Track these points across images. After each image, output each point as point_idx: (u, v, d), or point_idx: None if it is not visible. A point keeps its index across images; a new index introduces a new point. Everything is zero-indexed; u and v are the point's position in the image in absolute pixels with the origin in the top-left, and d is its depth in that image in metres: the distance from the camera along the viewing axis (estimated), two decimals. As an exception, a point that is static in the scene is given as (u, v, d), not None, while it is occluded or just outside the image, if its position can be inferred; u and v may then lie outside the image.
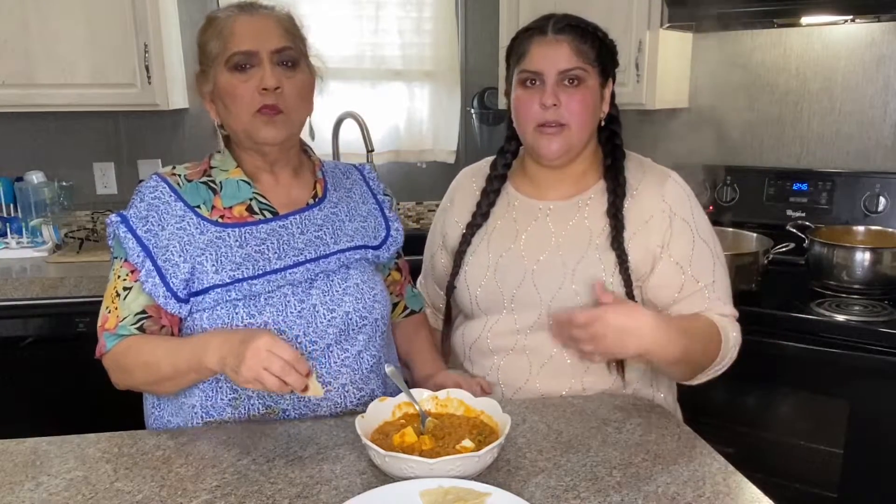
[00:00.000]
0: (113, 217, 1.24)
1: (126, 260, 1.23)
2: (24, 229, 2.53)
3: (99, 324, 1.25)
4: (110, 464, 1.10)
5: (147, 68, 2.41)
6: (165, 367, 1.18)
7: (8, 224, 2.58)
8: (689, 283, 1.33)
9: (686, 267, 1.33)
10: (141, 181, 2.60)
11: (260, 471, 1.08)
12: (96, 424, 1.27)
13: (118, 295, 1.23)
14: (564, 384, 1.36)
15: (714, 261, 1.35)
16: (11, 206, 2.58)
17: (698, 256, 1.34)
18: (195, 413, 1.25)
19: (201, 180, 1.28)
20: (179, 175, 1.28)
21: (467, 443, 1.07)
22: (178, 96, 2.59)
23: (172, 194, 1.25)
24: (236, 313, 1.21)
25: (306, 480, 1.05)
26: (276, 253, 1.25)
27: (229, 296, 1.21)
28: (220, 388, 1.24)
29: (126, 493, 1.02)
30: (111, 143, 2.78)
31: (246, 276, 1.21)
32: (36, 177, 2.58)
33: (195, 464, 1.10)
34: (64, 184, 2.68)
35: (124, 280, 1.23)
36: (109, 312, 1.23)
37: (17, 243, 2.50)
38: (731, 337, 1.31)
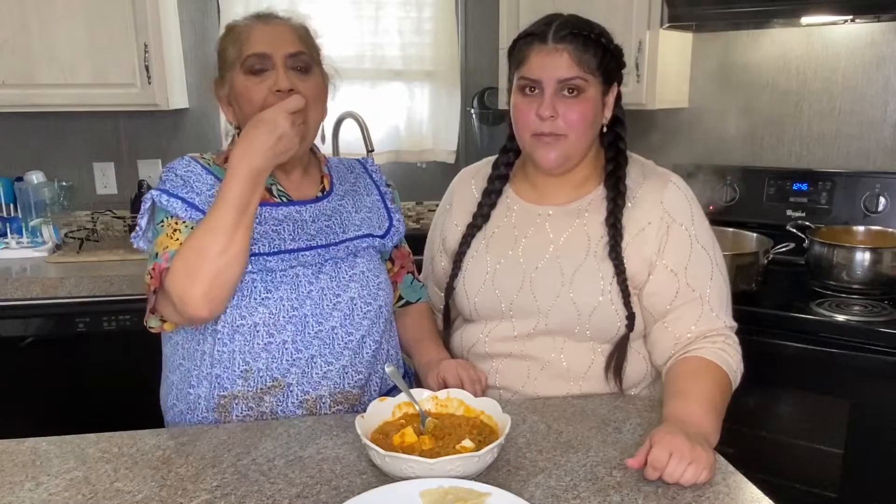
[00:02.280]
0: (152, 191, 1.27)
1: (173, 216, 1.25)
2: (24, 229, 2.53)
3: (157, 254, 1.22)
4: (110, 464, 1.10)
5: (147, 68, 2.40)
6: (226, 215, 1.16)
7: (8, 224, 2.58)
8: (684, 290, 1.30)
9: (681, 274, 1.30)
10: (141, 181, 2.60)
11: (260, 471, 1.08)
12: (96, 424, 1.27)
13: (175, 230, 1.24)
14: (562, 389, 1.35)
15: (712, 268, 1.32)
16: (11, 206, 2.58)
17: (695, 263, 1.31)
18: (210, 385, 1.29)
19: (224, 166, 1.31)
20: (207, 159, 1.35)
21: (467, 443, 1.07)
22: (178, 96, 2.59)
23: (203, 169, 1.31)
24: (254, 287, 1.27)
25: (306, 480, 1.05)
26: (290, 235, 1.31)
27: (246, 268, 1.25)
28: (234, 360, 1.28)
29: (126, 493, 1.02)
30: (111, 143, 2.77)
31: (262, 251, 1.27)
32: (36, 177, 2.58)
33: (195, 464, 1.10)
34: (64, 184, 2.68)
35: (180, 222, 1.24)
36: (168, 248, 1.21)
37: (17, 243, 2.50)
38: (733, 365, 1.26)
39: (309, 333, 1.29)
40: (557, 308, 1.32)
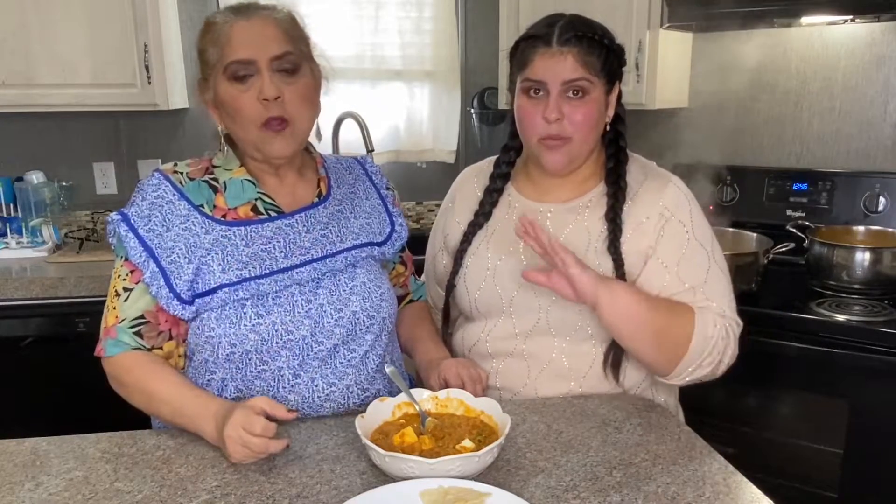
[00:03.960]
0: (113, 215, 1.23)
1: (127, 259, 1.22)
2: (24, 229, 2.53)
3: (101, 324, 1.25)
4: (110, 464, 1.10)
5: (147, 68, 2.41)
6: (167, 414, 1.19)
7: (8, 224, 2.58)
8: (673, 282, 1.30)
9: (672, 267, 1.30)
10: (140, 181, 2.59)
11: (260, 471, 1.08)
12: (96, 424, 1.27)
13: (118, 295, 1.22)
14: (563, 389, 1.35)
15: (710, 264, 1.32)
16: (11, 206, 2.58)
17: (689, 258, 1.31)
18: None
19: (203, 179, 1.26)
20: (181, 173, 1.26)
21: (467, 443, 1.07)
22: (178, 96, 2.59)
23: (176, 193, 1.23)
24: (244, 313, 1.20)
25: (306, 480, 1.05)
26: (282, 252, 1.24)
27: (237, 295, 1.20)
28: (226, 387, 1.24)
29: (126, 493, 1.02)
30: (111, 143, 2.78)
31: (253, 275, 1.20)
32: (36, 177, 2.58)
33: (195, 464, 1.10)
34: (64, 184, 2.68)
35: (124, 280, 1.22)
36: (108, 312, 1.24)
37: (17, 243, 2.50)
38: (711, 331, 1.25)
39: (308, 355, 1.23)
40: (558, 304, 1.32)
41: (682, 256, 1.31)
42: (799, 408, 1.94)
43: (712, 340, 1.26)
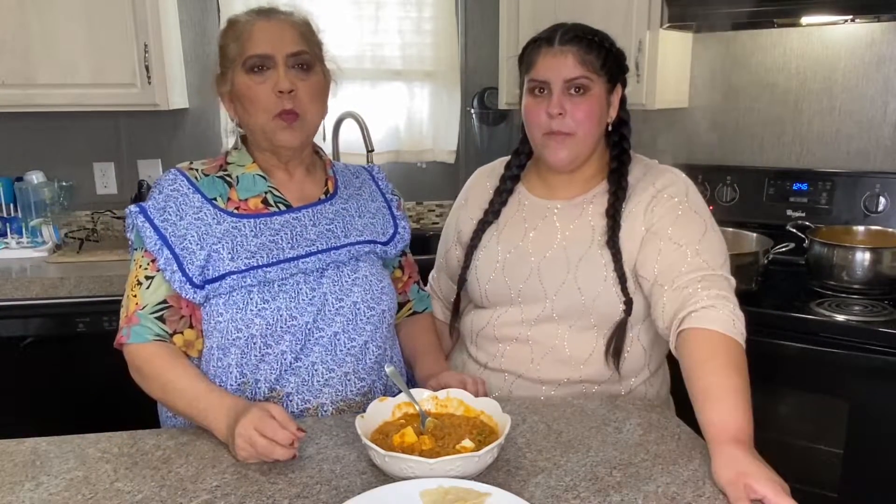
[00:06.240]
0: (131, 208, 1.28)
1: (145, 249, 1.27)
2: (24, 229, 2.53)
3: (122, 314, 1.28)
4: (110, 464, 1.10)
5: (147, 68, 2.41)
6: (181, 405, 1.21)
7: (8, 224, 2.58)
8: (667, 246, 1.31)
9: (663, 233, 1.32)
10: (141, 181, 2.61)
11: (260, 471, 1.08)
12: (96, 424, 1.27)
13: (139, 283, 1.27)
14: (564, 373, 1.39)
15: (705, 227, 1.32)
16: (11, 206, 2.58)
17: (683, 225, 1.32)
18: None
19: (218, 175, 1.33)
20: (197, 170, 1.33)
21: (467, 443, 1.07)
22: (178, 96, 2.59)
23: (191, 187, 1.30)
24: (251, 299, 1.25)
25: (306, 480, 1.05)
26: (289, 243, 1.29)
27: (244, 282, 1.25)
28: (231, 373, 1.27)
29: (126, 493, 1.02)
30: (111, 143, 2.78)
31: (261, 263, 1.26)
32: (36, 177, 2.58)
33: (195, 464, 1.10)
34: (64, 184, 2.68)
35: (146, 269, 1.27)
36: (129, 301, 1.27)
37: (17, 243, 2.50)
38: (742, 329, 1.20)
39: (310, 341, 1.28)
40: (563, 293, 1.37)
41: (675, 221, 1.33)
42: (799, 408, 1.94)
43: (742, 328, 1.21)
